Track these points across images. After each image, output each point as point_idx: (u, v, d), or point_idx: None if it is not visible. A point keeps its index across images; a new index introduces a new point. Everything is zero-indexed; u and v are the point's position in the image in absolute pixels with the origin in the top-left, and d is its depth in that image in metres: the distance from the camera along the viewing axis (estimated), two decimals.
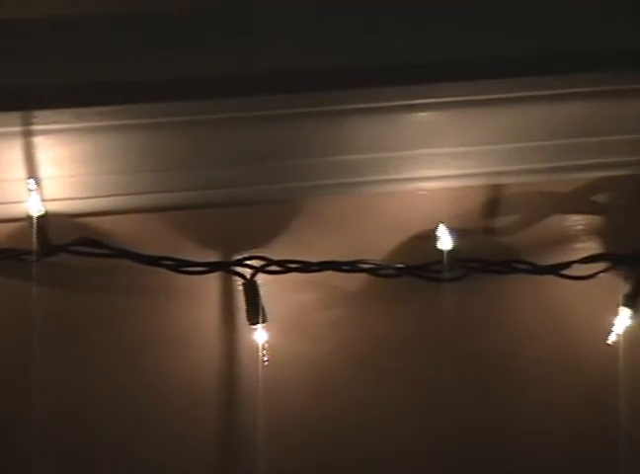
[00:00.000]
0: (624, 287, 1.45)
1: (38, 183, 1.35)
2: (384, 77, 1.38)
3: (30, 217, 1.35)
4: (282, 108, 1.40)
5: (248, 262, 1.45)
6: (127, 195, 1.42)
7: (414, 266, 1.45)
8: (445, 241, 1.44)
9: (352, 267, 1.46)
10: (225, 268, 1.45)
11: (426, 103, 1.41)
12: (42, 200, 1.37)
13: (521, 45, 1.37)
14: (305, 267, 1.45)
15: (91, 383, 1.42)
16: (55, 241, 1.39)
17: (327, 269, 1.45)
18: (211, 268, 1.44)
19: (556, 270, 1.45)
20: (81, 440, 1.41)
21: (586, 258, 1.46)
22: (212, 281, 1.47)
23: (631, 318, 1.44)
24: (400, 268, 1.46)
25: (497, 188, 1.49)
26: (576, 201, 1.50)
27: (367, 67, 1.38)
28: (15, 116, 1.30)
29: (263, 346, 1.45)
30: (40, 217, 1.36)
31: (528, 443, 1.49)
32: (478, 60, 1.37)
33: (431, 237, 1.44)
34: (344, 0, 1.36)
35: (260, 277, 1.45)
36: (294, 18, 1.34)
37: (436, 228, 1.44)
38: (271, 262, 1.45)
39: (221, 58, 1.34)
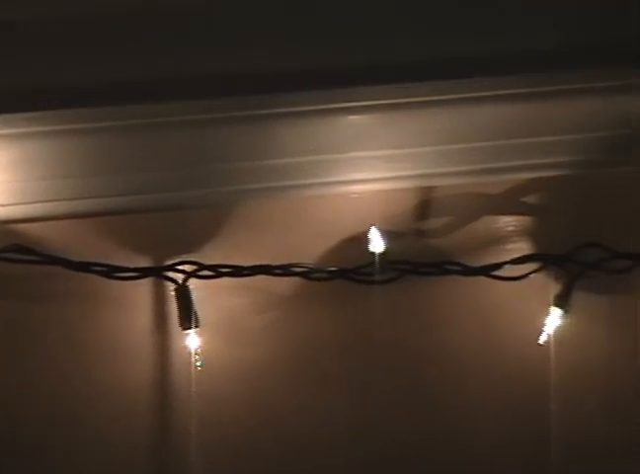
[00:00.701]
0: (555, 288, 1.49)
1: None
2: (313, 80, 1.41)
3: None
4: (211, 112, 1.42)
5: (180, 267, 1.47)
6: (57, 201, 1.44)
7: (346, 269, 1.48)
8: (377, 243, 1.46)
9: (284, 270, 1.48)
10: (157, 273, 1.47)
11: (355, 106, 1.44)
12: None
13: (447, 48, 1.40)
14: (237, 271, 1.47)
15: (20, 391, 1.42)
16: None
17: (259, 273, 1.48)
18: (143, 273, 1.46)
19: (487, 271, 1.48)
20: (6, 449, 1.41)
21: (517, 259, 1.49)
22: (144, 287, 1.49)
23: (562, 318, 1.48)
24: (332, 271, 1.48)
25: (428, 190, 1.52)
26: (506, 203, 1.53)
27: (296, 71, 1.40)
28: None
29: (195, 351, 1.46)
30: None
31: (462, 441, 1.54)
32: (406, 63, 1.40)
33: (362, 240, 1.46)
34: (266, 4, 1.35)
35: (192, 282, 1.47)
36: (221, 22, 1.34)
37: (367, 231, 1.46)
38: (202, 266, 1.47)
39: (146, 63, 1.35)
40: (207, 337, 1.49)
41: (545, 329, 1.49)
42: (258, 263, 1.48)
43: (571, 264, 1.49)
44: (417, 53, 1.42)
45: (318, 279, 1.48)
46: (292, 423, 1.52)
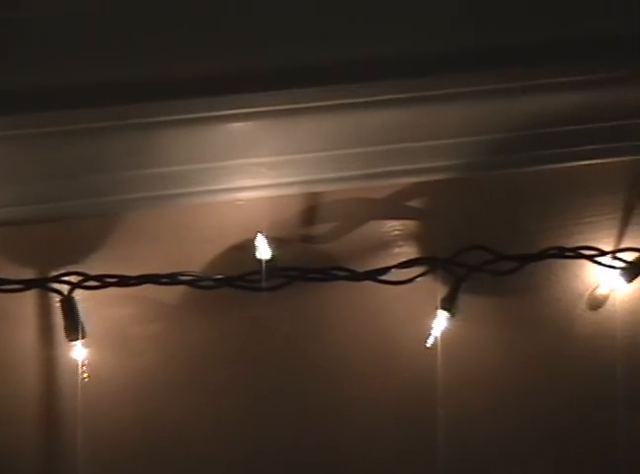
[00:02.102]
0: (442, 291, 1.56)
1: None
2: (196, 89, 1.46)
3: None
4: (95, 121, 1.46)
5: (65, 278, 1.51)
6: None
7: (233, 276, 1.52)
8: (264, 250, 1.51)
9: (170, 279, 1.53)
10: (42, 285, 1.51)
11: (239, 113, 1.48)
12: None
13: (328, 54, 1.46)
14: (123, 281, 1.52)
15: None
16: None
17: (146, 282, 1.52)
18: (27, 285, 1.50)
19: (374, 275, 1.55)
20: None
21: (403, 263, 1.55)
22: (29, 299, 1.53)
23: (448, 320, 1.54)
24: (219, 279, 1.53)
25: (313, 196, 1.57)
26: (392, 207, 1.59)
27: (179, 79, 1.45)
28: None
29: (82, 362, 1.51)
30: None
31: (350, 445, 1.62)
32: (288, 69, 1.46)
33: (249, 247, 1.52)
34: (155, 11, 1.42)
35: (78, 293, 1.51)
36: (105, 28, 1.41)
37: (254, 238, 1.51)
38: (88, 277, 1.51)
39: (31, 73, 1.40)
40: (94, 348, 1.53)
41: (432, 332, 1.56)
42: (144, 272, 1.52)
43: (456, 267, 1.56)
44: (299, 59, 1.48)
45: (205, 288, 1.53)
46: (181, 432, 1.57)
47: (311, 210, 1.61)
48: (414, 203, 1.62)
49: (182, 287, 1.54)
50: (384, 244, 1.62)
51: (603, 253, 1.59)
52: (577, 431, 1.65)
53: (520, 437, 1.65)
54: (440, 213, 1.62)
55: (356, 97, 1.50)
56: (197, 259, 1.58)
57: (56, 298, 1.52)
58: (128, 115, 1.47)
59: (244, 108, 1.50)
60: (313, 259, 1.59)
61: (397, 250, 1.62)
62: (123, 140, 1.51)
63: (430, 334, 1.57)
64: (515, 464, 1.65)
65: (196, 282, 1.55)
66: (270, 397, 1.61)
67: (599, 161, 1.61)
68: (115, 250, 1.57)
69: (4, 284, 1.49)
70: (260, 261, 1.54)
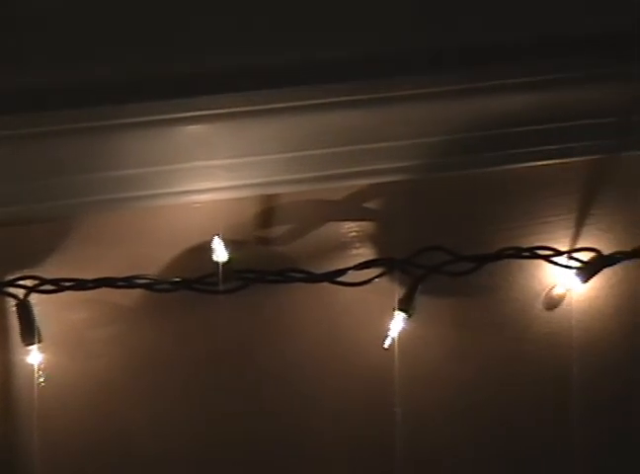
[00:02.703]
0: (399, 292, 1.58)
1: None
2: (152, 91, 1.48)
3: None
4: (50, 124, 1.47)
5: (21, 282, 1.53)
6: None
7: (190, 279, 1.55)
8: (220, 253, 1.53)
9: (127, 283, 1.55)
10: None
11: (194, 115, 1.50)
12: None
13: (286, 56, 1.49)
14: (80, 285, 1.54)
15: None
16: None
17: (102, 286, 1.54)
18: None
19: (332, 277, 1.57)
20: None
21: (360, 264, 1.57)
22: None
23: (406, 321, 1.57)
24: (176, 282, 1.55)
25: (270, 198, 1.60)
26: (349, 209, 1.62)
27: (134, 81, 1.47)
28: None
29: (38, 366, 1.53)
30: None
31: (308, 448, 1.64)
32: (243, 71, 1.49)
33: (206, 250, 1.54)
34: (107, 12, 1.44)
35: (33, 297, 1.53)
36: (57, 30, 1.43)
37: (211, 240, 1.53)
38: (44, 281, 1.53)
39: None
40: (50, 352, 1.55)
41: (389, 333, 1.58)
42: (101, 275, 1.54)
43: (414, 267, 1.59)
44: (254, 61, 1.50)
45: (162, 291, 1.55)
46: (137, 434, 1.60)
47: (268, 212, 1.63)
48: (371, 205, 1.65)
49: (139, 290, 1.56)
50: (342, 245, 1.65)
51: (559, 253, 1.62)
52: (533, 430, 1.68)
53: (477, 437, 1.69)
54: (397, 214, 1.65)
55: (312, 99, 1.53)
56: (153, 262, 1.60)
57: (12, 302, 1.53)
58: (83, 118, 1.49)
59: (200, 110, 1.52)
60: (270, 261, 1.61)
61: (354, 251, 1.65)
62: (79, 143, 1.52)
63: (387, 335, 1.60)
64: (471, 463, 1.69)
65: (152, 285, 1.57)
66: (227, 400, 1.64)
67: (554, 162, 1.64)
68: (71, 253, 1.58)
69: None
70: (217, 263, 1.56)
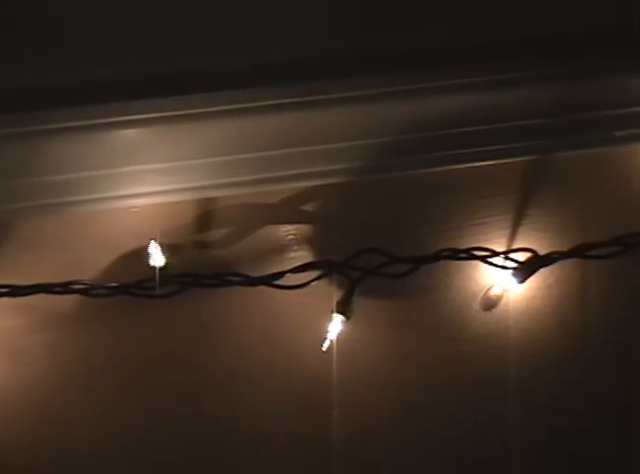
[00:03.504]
0: (337, 294, 1.62)
1: None
2: (87, 96, 1.52)
3: None
4: None
5: None
6: None
7: (127, 284, 1.57)
8: (157, 257, 1.57)
9: (63, 288, 1.57)
10: None
11: (129, 119, 1.54)
12: None
13: (221, 60, 1.54)
14: (15, 291, 1.57)
15: None
16: None
17: (38, 291, 1.57)
18: None
19: (270, 280, 1.61)
20: None
21: (298, 267, 1.61)
22: None
23: (344, 324, 1.61)
24: (112, 286, 1.58)
25: (207, 201, 1.64)
26: (286, 212, 1.66)
27: (70, 86, 1.51)
28: None
29: None
30: None
31: (251, 448, 1.69)
32: (176, 75, 1.54)
33: (143, 254, 1.57)
34: (43, 18, 1.48)
35: None
36: None
37: (148, 245, 1.56)
38: None
39: None
40: None
41: (328, 335, 1.62)
42: (36, 281, 1.56)
43: (351, 270, 1.62)
44: (190, 65, 1.55)
45: (98, 296, 1.58)
46: (73, 441, 1.63)
47: (205, 216, 1.67)
48: (308, 208, 1.68)
49: (75, 296, 1.59)
50: (279, 248, 1.68)
51: (496, 254, 1.67)
52: (471, 430, 1.73)
53: (416, 437, 1.73)
54: (334, 217, 1.68)
55: (247, 102, 1.57)
56: (90, 267, 1.63)
57: None
58: (18, 122, 1.53)
59: (136, 114, 1.56)
60: (208, 265, 1.64)
61: (292, 254, 1.68)
62: (14, 148, 1.55)
63: (325, 337, 1.63)
64: (410, 465, 1.74)
65: (89, 291, 1.59)
66: (165, 403, 1.67)
67: (490, 162, 1.69)
68: (6, 259, 1.61)
69: None
70: (153, 268, 1.59)
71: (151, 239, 1.58)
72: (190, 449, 1.68)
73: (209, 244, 1.68)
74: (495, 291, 1.74)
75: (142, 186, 1.62)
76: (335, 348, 1.65)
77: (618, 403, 1.75)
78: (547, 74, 1.64)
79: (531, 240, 1.73)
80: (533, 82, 1.65)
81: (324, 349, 1.65)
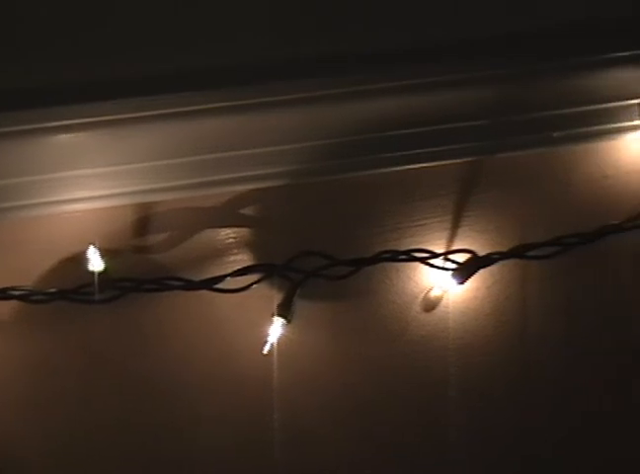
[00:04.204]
0: (278, 297, 1.65)
1: None
2: (23, 100, 1.54)
3: None
4: None
5: None
6: None
7: (66, 289, 1.60)
8: (96, 262, 1.59)
9: (2, 294, 1.59)
10: None
11: (67, 124, 1.56)
12: None
13: (159, 63, 1.57)
14: None
15: None
16: None
17: None
18: None
19: (210, 284, 1.64)
20: None
21: (238, 270, 1.65)
22: None
23: (284, 327, 1.64)
24: (51, 292, 1.60)
25: (146, 206, 1.66)
26: (226, 215, 1.69)
27: (4, 90, 1.53)
28: None
29: None
30: None
31: (191, 456, 1.71)
32: (117, 80, 1.56)
33: (82, 259, 1.59)
34: None
35: None
36: None
37: (86, 250, 1.58)
38: None
39: None
40: None
41: (269, 339, 1.65)
42: None
43: (292, 272, 1.66)
44: (127, 69, 1.57)
45: (38, 302, 1.60)
46: (12, 447, 1.66)
47: (144, 221, 1.69)
48: (247, 211, 1.71)
49: (13, 302, 1.61)
50: (219, 252, 1.71)
51: (435, 255, 1.71)
52: (413, 430, 1.77)
53: (358, 439, 1.76)
54: (274, 220, 1.72)
55: (185, 106, 1.59)
56: (29, 273, 1.64)
57: None
58: None
59: (73, 119, 1.57)
60: (148, 269, 1.67)
61: (232, 258, 1.71)
62: None
63: (266, 341, 1.66)
64: (352, 467, 1.77)
65: (28, 297, 1.61)
66: (106, 409, 1.70)
67: (429, 164, 1.73)
68: None
69: None
70: (93, 273, 1.61)
71: (90, 244, 1.59)
72: (130, 455, 1.71)
73: (149, 248, 1.69)
74: (435, 293, 1.77)
75: (81, 190, 1.64)
76: (276, 351, 1.68)
77: (557, 402, 1.79)
78: (485, 76, 1.68)
79: (471, 241, 1.77)
80: (472, 84, 1.68)
81: (265, 352, 1.68)
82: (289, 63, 1.61)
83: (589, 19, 1.67)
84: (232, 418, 1.73)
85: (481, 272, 1.74)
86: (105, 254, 1.62)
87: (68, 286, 1.62)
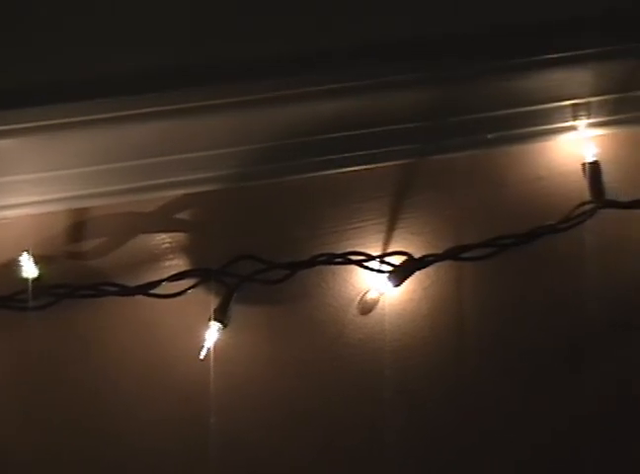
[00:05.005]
0: (215, 302, 1.68)
1: None
2: None
3: None
4: None
5: None
6: None
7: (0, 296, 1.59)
8: (30, 269, 1.62)
9: None
10: None
11: (0, 130, 1.57)
12: None
13: (90, 67, 1.61)
14: None
15: None
16: None
17: None
18: None
19: (146, 289, 1.67)
20: None
21: (174, 275, 1.68)
22: None
23: (221, 331, 1.68)
24: None
25: (80, 211, 1.69)
26: (161, 220, 1.72)
27: None
28: None
29: None
30: None
31: (127, 461, 1.74)
32: (48, 85, 1.59)
33: (16, 266, 1.62)
34: None
35: None
36: None
37: (20, 256, 1.61)
38: None
39: None
40: None
41: (205, 343, 1.68)
42: None
43: (228, 277, 1.69)
44: (57, 74, 1.61)
45: None
46: None
47: (78, 226, 1.72)
48: (183, 216, 1.75)
49: None
50: (154, 257, 1.74)
51: (372, 258, 1.75)
52: (349, 431, 1.80)
53: (296, 443, 1.80)
54: (210, 224, 1.75)
55: (117, 111, 1.62)
56: None
57: None
58: None
59: (5, 125, 1.60)
60: (82, 275, 1.69)
61: (168, 263, 1.74)
62: None
63: (203, 345, 1.69)
64: (288, 470, 1.81)
65: None
66: (43, 417, 1.73)
67: (364, 167, 1.77)
68: None
69: None
70: (26, 280, 1.64)
71: (24, 250, 1.62)
72: (69, 460, 1.74)
73: (84, 254, 1.72)
74: (371, 295, 1.81)
75: (13, 197, 1.67)
76: (212, 355, 1.71)
77: (493, 401, 1.86)
78: (421, 78, 1.72)
79: (407, 243, 1.80)
80: (408, 86, 1.72)
81: (201, 357, 1.70)
82: (214, 68, 1.65)
83: (521, 21, 1.71)
84: (169, 422, 1.75)
85: (417, 274, 1.78)
86: (39, 260, 1.65)
87: (2, 293, 1.65)
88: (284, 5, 1.65)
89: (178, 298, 1.69)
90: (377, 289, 1.79)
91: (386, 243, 1.81)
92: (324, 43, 1.67)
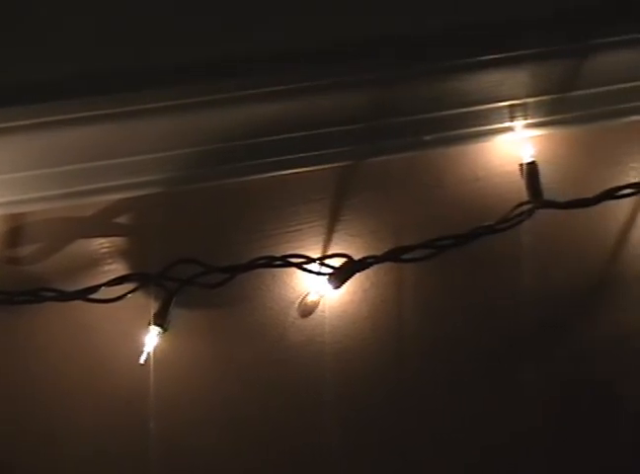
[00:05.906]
0: (155, 306, 1.72)
1: None
2: None
3: None
4: None
5: None
6: None
7: None
8: None
9: None
10: None
11: None
12: None
13: (25, 72, 1.62)
14: None
15: None
16: None
17: None
18: None
19: (84, 294, 1.69)
20: None
21: (113, 280, 1.70)
22: None
23: (160, 336, 1.71)
24: None
25: (17, 217, 1.72)
26: (98, 225, 1.74)
27: None
28: None
29: None
30: None
31: (71, 466, 1.78)
32: None
33: None
34: None
35: None
36: None
37: None
38: None
39: None
40: None
41: (145, 348, 1.71)
42: None
43: (168, 281, 1.72)
44: None
45: None
46: None
47: (15, 232, 1.74)
48: (121, 220, 1.77)
49: None
50: (93, 262, 1.77)
51: (311, 260, 1.78)
52: (291, 435, 1.84)
53: (238, 448, 1.83)
54: (148, 228, 1.77)
55: (52, 115, 1.64)
56: None
57: None
58: None
59: None
60: (20, 281, 1.72)
61: (107, 267, 1.77)
62: None
63: (143, 350, 1.72)
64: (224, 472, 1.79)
65: None
66: None
67: (302, 170, 1.80)
68: None
69: None
70: None
71: None
72: (9, 465, 1.75)
73: (21, 260, 1.74)
74: (311, 298, 1.84)
75: None
76: (152, 360, 1.74)
77: (434, 403, 1.90)
78: (357, 80, 1.75)
79: (346, 245, 1.84)
80: (344, 88, 1.75)
81: (141, 361, 1.73)
82: (162, 71, 1.67)
83: (457, 23, 1.75)
84: (110, 427, 1.78)
85: (357, 276, 1.81)
86: None
87: None
88: (217, 7, 1.69)
89: (117, 303, 1.71)
90: (317, 292, 1.83)
91: (326, 245, 1.84)
92: (257, 47, 1.69)
